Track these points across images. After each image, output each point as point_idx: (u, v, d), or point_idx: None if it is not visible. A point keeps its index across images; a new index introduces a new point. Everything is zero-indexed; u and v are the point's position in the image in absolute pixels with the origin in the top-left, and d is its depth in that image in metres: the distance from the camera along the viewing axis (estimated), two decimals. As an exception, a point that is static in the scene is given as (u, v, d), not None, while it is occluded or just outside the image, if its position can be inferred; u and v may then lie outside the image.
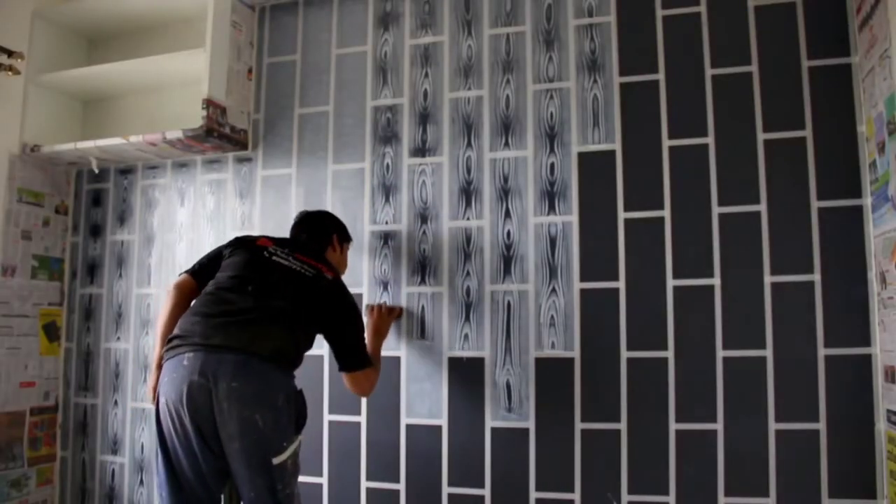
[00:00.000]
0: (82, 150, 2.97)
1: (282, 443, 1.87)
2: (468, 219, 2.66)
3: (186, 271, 2.22)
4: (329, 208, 2.83)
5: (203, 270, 2.18)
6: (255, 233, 2.91)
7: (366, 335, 2.34)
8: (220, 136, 2.84)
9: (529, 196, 2.60)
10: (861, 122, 2.29)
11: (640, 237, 2.46)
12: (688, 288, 2.40)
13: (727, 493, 2.26)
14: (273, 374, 1.88)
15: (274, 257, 2.09)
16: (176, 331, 1.94)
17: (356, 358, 2.18)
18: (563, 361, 2.48)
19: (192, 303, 2.05)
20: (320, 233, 2.36)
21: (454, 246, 2.66)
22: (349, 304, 2.17)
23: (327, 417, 2.72)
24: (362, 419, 2.68)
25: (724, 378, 2.33)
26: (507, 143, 2.65)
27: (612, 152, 2.53)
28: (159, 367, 1.98)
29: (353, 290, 2.73)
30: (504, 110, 2.68)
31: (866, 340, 2.22)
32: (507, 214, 2.62)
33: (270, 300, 1.96)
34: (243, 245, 2.17)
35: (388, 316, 2.60)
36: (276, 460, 1.85)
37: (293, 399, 1.95)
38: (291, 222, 2.46)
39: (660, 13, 2.54)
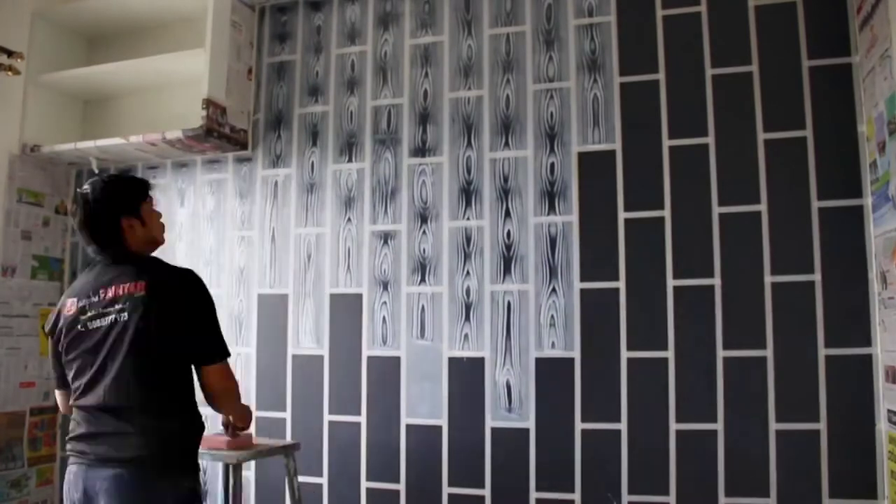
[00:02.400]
0: (82, 150, 2.97)
1: None
2: (468, 219, 2.66)
3: (58, 388, 1.90)
4: (329, 209, 2.83)
5: (63, 378, 1.85)
6: (255, 232, 2.91)
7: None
8: (220, 136, 2.84)
9: (529, 196, 2.60)
10: (861, 122, 2.29)
11: (640, 237, 2.46)
12: (688, 288, 2.39)
13: (727, 493, 2.26)
14: (153, 487, 1.66)
15: (89, 323, 1.75)
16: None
17: (216, 346, 1.81)
18: (563, 361, 2.48)
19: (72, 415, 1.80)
20: (110, 232, 1.83)
21: (454, 246, 2.66)
22: (182, 297, 1.78)
23: (327, 418, 2.72)
24: (362, 419, 2.68)
25: (724, 378, 2.32)
26: (507, 143, 2.65)
27: (612, 152, 2.53)
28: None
29: (353, 290, 2.74)
30: (504, 110, 2.68)
31: (867, 340, 2.21)
32: (507, 214, 2.61)
33: (116, 387, 1.70)
34: (64, 327, 1.80)
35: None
36: None
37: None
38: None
39: (660, 13, 2.54)
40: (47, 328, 1.86)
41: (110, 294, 1.75)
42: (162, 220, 1.96)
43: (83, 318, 1.76)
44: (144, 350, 1.70)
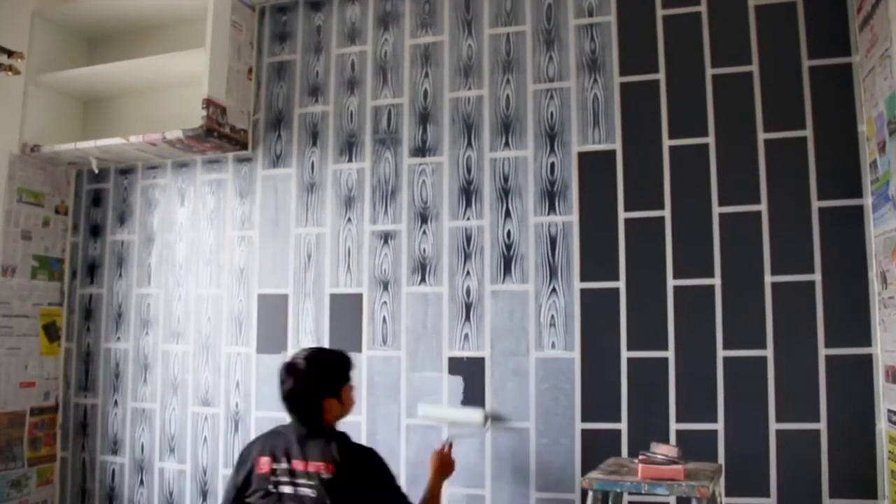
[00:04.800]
0: (82, 150, 2.97)
1: None
2: (468, 219, 2.66)
3: None
4: (329, 209, 2.83)
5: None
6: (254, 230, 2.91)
7: (431, 477, 2.28)
8: (220, 136, 2.84)
9: (529, 196, 2.60)
10: (862, 122, 2.29)
11: (640, 237, 2.46)
12: (688, 288, 2.39)
13: (727, 493, 2.26)
14: None
15: (280, 487, 1.94)
16: None
17: None
18: (563, 361, 2.48)
19: None
20: (311, 410, 2.02)
21: (454, 246, 2.66)
22: (366, 480, 1.95)
23: (327, 417, 2.72)
24: (362, 419, 2.68)
25: (724, 378, 2.32)
26: (507, 143, 2.65)
27: (612, 152, 2.53)
28: None
29: (353, 290, 2.74)
30: (504, 110, 2.68)
31: (867, 340, 2.21)
32: (507, 214, 2.61)
33: None
34: (255, 479, 2.00)
35: (449, 454, 2.35)
36: None
37: None
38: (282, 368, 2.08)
39: (660, 13, 2.54)
40: (237, 462, 2.08)
41: (300, 467, 1.94)
42: (353, 393, 2.13)
43: (274, 479, 1.95)
44: None
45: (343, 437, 2.03)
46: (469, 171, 2.68)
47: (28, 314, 3.04)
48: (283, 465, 1.95)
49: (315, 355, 2.08)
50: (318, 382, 2.01)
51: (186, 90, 2.98)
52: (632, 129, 2.52)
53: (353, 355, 2.68)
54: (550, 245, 2.55)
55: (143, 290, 3.09)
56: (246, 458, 2.05)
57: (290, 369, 2.02)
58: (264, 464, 1.98)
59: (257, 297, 2.90)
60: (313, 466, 1.92)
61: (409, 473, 2.60)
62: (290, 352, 2.81)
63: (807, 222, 2.31)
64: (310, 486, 1.91)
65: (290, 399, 2.02)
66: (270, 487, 1.95)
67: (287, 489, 1.93)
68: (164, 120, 3.02)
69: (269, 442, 2.04)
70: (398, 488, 2.02)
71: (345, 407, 2.07)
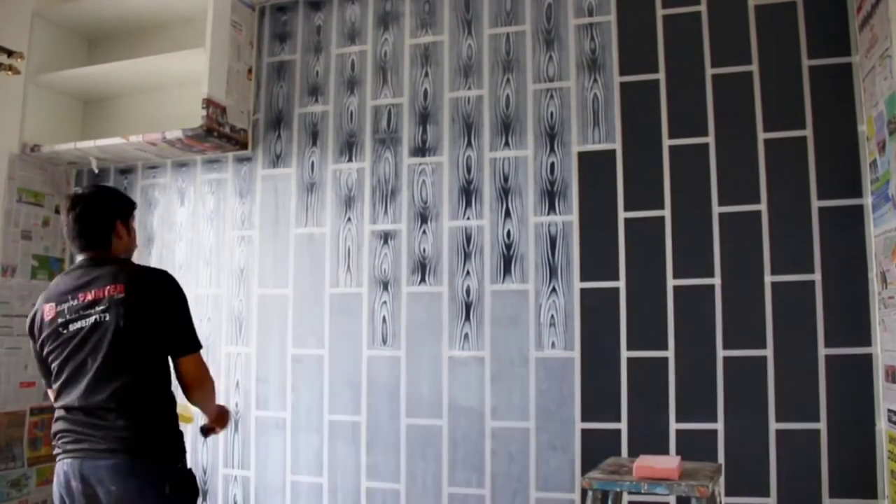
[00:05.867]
0: (82, 150, 2.97)
1: None
2: (468, 218, 2.66)
3: (48, 385, 1.96)
4: (329, 209, 2.83)
5: (48, 374, 1.93)
6: (255, 233, 2.91)
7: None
8: (220, 136, 2.84)
9: (529, 196, 2.60)
10: (861, 122, 2.29)
11: (640, 237, 2.46)
12: (688, 288, 2.39)
13: (727, 493, 2.26)
14: (148, 469, 1.77)
15: (70, 325, 1.83)
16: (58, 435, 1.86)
17: (189, 338, 1.90)
18: (563, 361, 2.48)
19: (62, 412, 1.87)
20: (102, 233, 1.93)
21: (454, 246, 2.66)
22: (158, 295, 1.87)
23: (327, 417, 2.72)
24: (362, 419, 2.68)
25: (724, 378, 2.32)
26: (507, 143, 2.65)
27: (612, 152, 2.53)
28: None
29: (353, 290, 2.74)
30: (504, 110, 2.68)
31: (867, 340, 2.21)
32: (507, 214, 2.61)
33: (99, 384, 1.79)
34: (44, 331, 1.89)
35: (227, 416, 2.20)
36: None
37: (178, 485, 1.82)
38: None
39: (660, 13, 2.54)
40: (27, 330, 1.95)
41: (90, 297, 1.83)
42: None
43: (61, 320, 1.84)
44: (125, 348, 1.80)
45: (131, 263, 1.96)
46: (469, 170, 2.68)
47: (28, 314, 3.03)
48: (69, 304, 1.85)
49: (99, 186, 2.08)
50: (111, 204, 1.96)
51: (186, 90, 2.98)
52: (632, 128, 2.52)
53: (354, 355, 2.71)
54: (550, 245, 2.55)
55: (143, 290, 3.09)
56: (34, 314, 1.93)
57: (75, 197, 1.96)
58: (49, 310, 1.87)
59: (257, 297, 2.90)
60: (101, 292, 1.83)
61: (408, 473, 2.60)
62: (291, 351, 2.81)
63: (807, 222, 2.31)
64: (103, 313, 1.81)
65: (80, 221, 1.91)
66: (60, 329, 1.84)
67: (78, 324, 1.83)
68: (164, 120, 3.02)
69: (52, 290, 1.92)
70: (191, 321, 1.92)
71: (132, 238, 2.02)
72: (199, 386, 1.92)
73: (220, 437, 2.87)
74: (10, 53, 2.85)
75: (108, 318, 1.81)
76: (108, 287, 1.83)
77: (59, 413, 1.85)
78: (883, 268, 2.13)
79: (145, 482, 1.75)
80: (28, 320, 1.95)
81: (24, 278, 3.03)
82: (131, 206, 2.04)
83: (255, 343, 2.88)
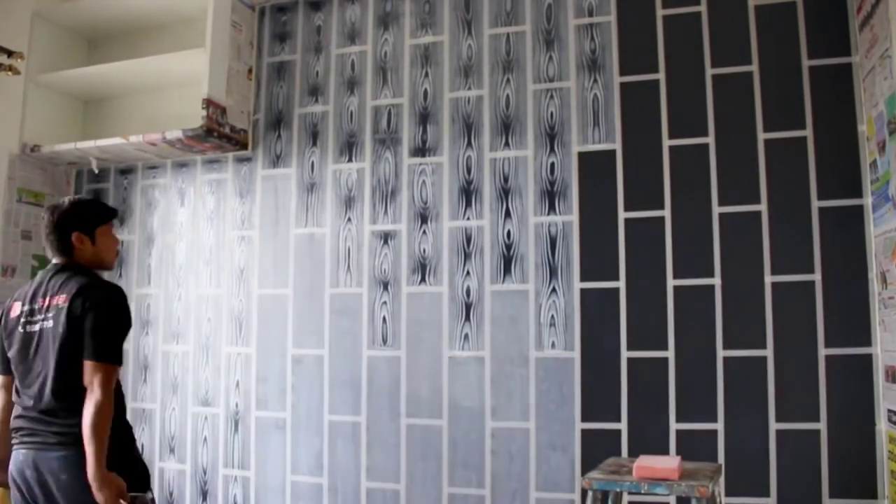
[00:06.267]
0: (82, 150, 2.97)
1: None
2: (468, 219, 2.66)
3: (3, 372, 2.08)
4: (329, 209, 2.83)
5: (5, 366, 2.08)
6: (254, 233, 2.91)
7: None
8: (220, 136, 2.84)
9: (529, 196, 2.60)
10: (861, 122, 2.29)
11: (640, 237, 2.46)
12: (688, 288, 2.39)
13: (727, 493, 2.26)
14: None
15: (28, 326, 2.00)
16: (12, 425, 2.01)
17: (102, 346, 1.93)
18: (563, 361, 2.48)
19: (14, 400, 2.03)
20: (62, 243, 2.06)
21: (454, 246, 2.66)
22: (91, 306, 1.94)
23: (327, 417, 2.72)
24: (362, 419, 2.68)
25: (724, 378, 2.32)
26: (507, 143, 2.65)
27: (612, 152, 2.53)
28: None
29: (353, 290, 2.74)
30: (504, 110, 2.68)
31: (867, 340, 2.21)
32: (507, 214, 2.62)
33: (48, 387, 1.93)
34: (8, 327, 2.05)
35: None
36: None
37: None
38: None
39: (660, 13, 2.54)
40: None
41: (45, 303, 1.99)
42: (118, 247, 2.20)
43: (23, 320, 2.00)
44: (61, 355, 1.93)
45: (92, 276, 2.06)
46: (469, 171, 2.68)
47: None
48: (30, 306, 2.01)
49: (76, 199, 2.16)
50: (70, 216, 2.07)
51: (186, 90, 2.98)
52: (632, 129, 2.52)
53: (354, 355, 2.71)
54: (550, 245, 2.55)
55: (143, 290, 3.09)
56: (4, 310, 2.09)
57: (51, 208, 2.11)
58: (16, 308, 2.04)
59: (257, 297, 2.90)
60: (54, 300, 1.98)
61: (408, 473, 2.60)
62: (291, 351, 2.81)
63: (807, 222, 2.31)
64: (45, 321, 1.97)
65: (47, 230, 2.07)
66: (19, 329, 2.01)
67: (33, 327, 1.99)
68: (164, 120, 3.02)
69: (24, 289, 2.08)
70: (113, 334, 1.98)
71: (98, 249, 2.09)
72: (91, 401, 1.88)
73: (221, 437, 2.88)
74: (10, 53, 2.85)
75: (51, 326, 1.95)
76: (59, 297, 1.97)
77: (16, 411, 1.99)
78: (883, 268, 2.13)
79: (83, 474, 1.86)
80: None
81: (24, 278, 3.03)
82: (99, 217, 2.11)
83: (255, 343, 2.88)
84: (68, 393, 1.92)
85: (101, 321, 1.96)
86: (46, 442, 1.91)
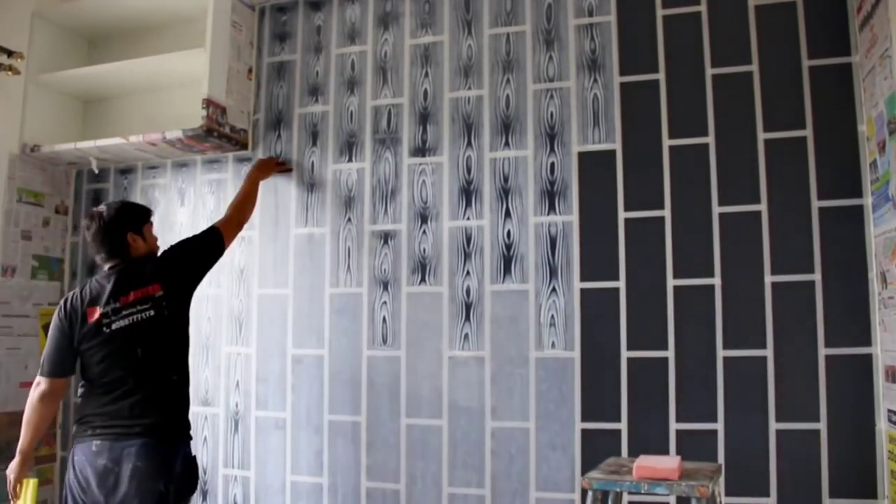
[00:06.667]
0: (82, 150, 2.97)
1: None
2: (468, 219, 2.66)
3: (50, 374, 2.21)
4: (328, 208, 2.83)
5: (67, 368, 2.23)
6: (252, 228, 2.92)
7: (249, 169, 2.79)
8: (220, 136, 2.84)
9: (529, 196, 2.60)
10: (862, 122, 2.29)
11: (640, 237, 2.46)
12: (688, 288, 2.39)
13: (727, 493, 2.26)
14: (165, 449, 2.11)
15: (113, 325, 2.15)
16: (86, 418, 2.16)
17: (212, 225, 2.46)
18: (563, 361, 2.48)
19: (86, 399, 2.18)
20: (118, 245, 2.25)
21: (454, 246, 2.66)
22: (181, 258, 2.32)
23: (327, 417, 2.72)
24: (362, 419, 2.68)
25: (724, 378, 2.33)
26: (507, 143, 2.65)
27: (612, 152, 2.53)
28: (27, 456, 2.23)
29: (352, 289, 2.74)
30: (504, 110, 2.68)
31: (867, 340, 2.21)
32: (507, 214, 2.62)
33: (145, 376, 2.15)
34: (89, 330, 2.16)
35: (274, 163, 2.87)
36: None
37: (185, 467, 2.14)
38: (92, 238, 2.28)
39: (660, 13, 2.54)
40: (63, 323, 2.19)
41: (131, 298, 2.16)
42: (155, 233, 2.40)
43: (106, 321, 2.15)
44: (165, 340, 2.19)
45: (155, 258, 2.31)
46: (469, 171, 2.68)
47: (28, 314, 3.05)
48: (115, 305, 2.16)
49: (116, 204, 2.35)
50: (120, 219, 2.27)
51: (186, 90, 2.98)
52: (632, 129, 2.52)
53: (354, 355, 2.71)
54: (550, 245, 2.55)
55: (143, 290, 3.09)
56: (72, 313, 2.19)
57: (91, 215, 2.29)
58: (94, 313, 2.17)
59: (257, 297, 2.90)
60: (141, 293, 2.17)
61: (408, 473, 2.60)
62: (291, 351, 2.81)
63: (807, 222, 2.31)
64: (145, 310, 2.16)
65: (98, 237, 2.24)
66: (104, 329, 2.14)
67: (121, 323, 2.14)
68: (164, 120, 3.02)
69: (96, 291, 2.21)
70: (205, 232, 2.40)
71: (149, 244, 2.33)
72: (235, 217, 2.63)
73: (221, 437, 2.88)
74: (10, 53, 2.85)
75: (153, 314, 2.16)
76: (146, 288, 2.18)
77: (92, 399, 2.14)
78: (883, 268, 2.14)
79: (166, 461, 2.09)
80: (61, 312, 2.21)
81: (24, 278, 3.03)
82: (144, 216, 2.35)
83: (254, 343, 2.88)
84: (160, 375, 2.16)
85: (199, 238, 2.40)
86: (129, 432, 2.07)
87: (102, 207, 2.30)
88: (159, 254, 2.33)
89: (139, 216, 2.34)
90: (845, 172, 2.29)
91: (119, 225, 2.25)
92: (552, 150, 2.60)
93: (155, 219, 2.41)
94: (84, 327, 2.15)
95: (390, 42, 2.87)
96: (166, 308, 2.17)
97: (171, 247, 2.35)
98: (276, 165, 2.86)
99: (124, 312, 2.14)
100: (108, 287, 2.18)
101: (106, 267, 2.25)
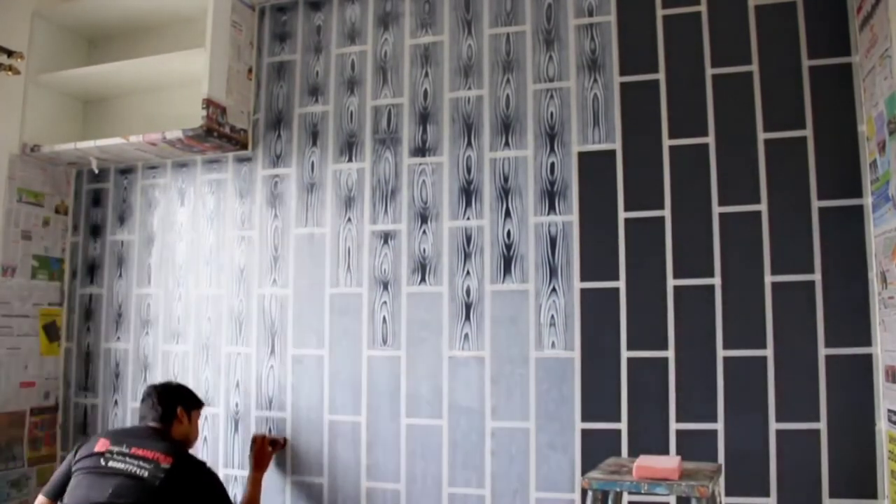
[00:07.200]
0: (82, 150, 2.97)
1: None
2: (468, 219, 2.66)
3: (44, 494, 2.30)
4: (328, 208, 2.84)
5: (57, 490, 2.28)
6: (253, 232, 2.92)
7: (248, 468, 2.65)
8: (220, 136, 2.84)
9: (529, 196, 2.60)
10: (862, 122, 2.29)
11: (640, 237, 2.46)
12: (688, 288, 2.39)
13: (727, 493, 2.26)
14: None
15: (111, 462, 2.18)
16: None
17: None
18: (563, 361, 2.48)
19: None
20: (164, 410, 2.39)
21: (454, 246, 2.66)
22: (196, 482, 2.22)
23: (327, 417, 2.72)
24: (362, 419, 2.68)
25: (724, 378, 2.33)
26: (507, 143, 2.65)
27: (612, 152, 2.53)
28: None
29: (352, 289, 2.74)
30: (504, 110, 2.68)
31: (867, 340, 2.21)
32: (507, 214, 2.62)
33: None
34: (87, 455, 2.23)
35: (269, 449, 2.69)
36: None
37: None
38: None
39: (660, 13, 2.54)
40: (76, 448, 2.30)
41: (139, 452, 2.19)
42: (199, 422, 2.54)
43: (107, 456, 2.19)
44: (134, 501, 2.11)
45: (185, 447, 2.35)
46: (469, 171, 2.68)
47: (28, 314, 3.05)
48: (122, 449, 2.20)
49: (178, 383, 2.56)
50: (178, 393, 2.45)
51: (186, 90, 2.98)
52: (632, 129, 2.52)
53: (354, 355, 2.71)
54: (550, 245, 2.55)
55: (143, 290, 3.09)
56: (86, 443, 2.28)
57: (152, 387, 2.46)
58: (102, 444, 2.22)
59: (257, 297, 2.90)
60: (152, 454, 2.18)
61: (408, 473, 2.60)
62: (290, 351, 2.81)
63: (807, 222, 2.31)
64: (144, 468, 2.15)
65: (152, 398, 2.38)
66: (101, 461, 2.17)
67: (117, 465, 2.16)
68: (164, 120, 3.02)
69: (117, 432, 2.36)
70: (227, 498, 2.29)
71: (192, 428, 2.46)
72: None
73: (221, 437, 2.88)
74: (10, 53, 2.85)
75: (146, 475, 2.13)
76: (157, 453, 2.18)
77: None
78: (883, 268, 2.14)
79: None
80: (81, 441, 2.34)
81: (24, 278, 3.03)
82: (198, 402, 2.52)
83: (254, 343, 2.88)
84: None
85: (219, 496, 2.26)
86: None
87: (162, 383, 2.51)
88: (189, 451, 2.35)
89: (194, 400, 2.50)
90: (845, 172, 2.29)
91: (174, 395, 2.42)
92: (552, 150, 2.60)
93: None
94: (87, 451, 2.23)
95: (390, 42, 2.87)
96: (159, 480, 2.12)
97: (203, 469, 2.27)
98: (270, 447, 2.70)
99: (128, 459, 2.18)
100: (132, 433, 2.31)
101: (143, 424, 2.37)
